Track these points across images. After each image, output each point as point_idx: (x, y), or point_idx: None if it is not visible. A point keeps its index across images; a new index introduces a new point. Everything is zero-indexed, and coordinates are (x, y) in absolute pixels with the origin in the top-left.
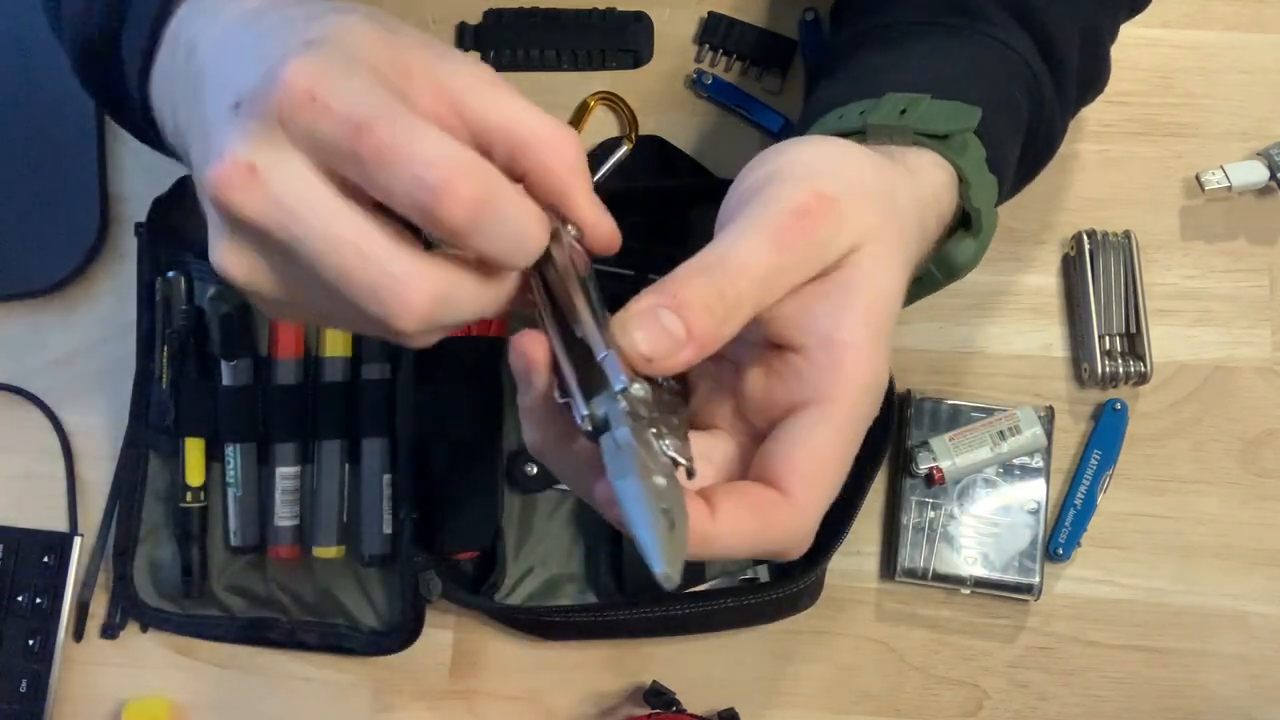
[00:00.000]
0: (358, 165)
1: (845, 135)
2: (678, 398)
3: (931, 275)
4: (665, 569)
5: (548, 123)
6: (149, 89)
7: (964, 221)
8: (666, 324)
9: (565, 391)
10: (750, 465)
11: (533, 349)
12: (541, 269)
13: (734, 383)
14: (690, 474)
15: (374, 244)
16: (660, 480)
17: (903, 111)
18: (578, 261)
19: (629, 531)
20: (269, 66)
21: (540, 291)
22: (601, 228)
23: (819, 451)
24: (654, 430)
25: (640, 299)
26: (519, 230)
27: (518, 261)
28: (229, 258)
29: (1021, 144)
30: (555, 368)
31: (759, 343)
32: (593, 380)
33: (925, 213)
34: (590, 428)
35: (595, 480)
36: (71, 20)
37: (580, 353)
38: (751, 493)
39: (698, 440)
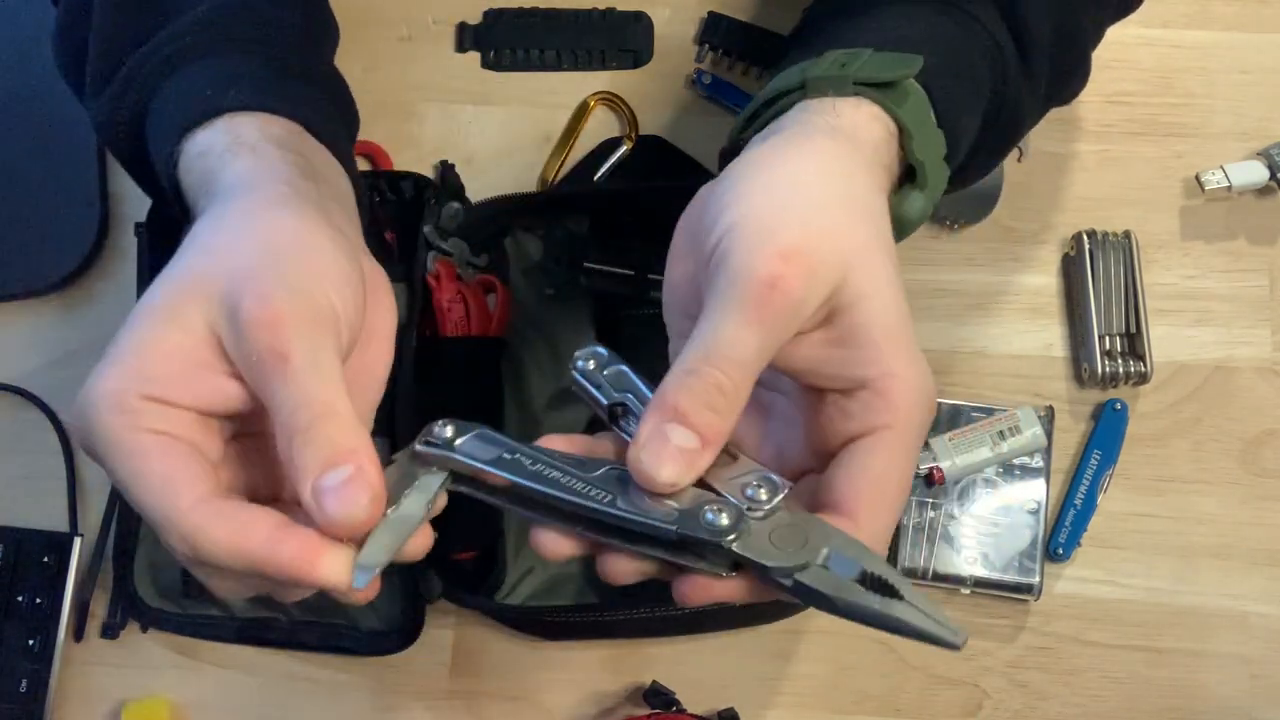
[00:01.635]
0: None
1: (785, 94)
2: None
3: None
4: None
5: (284, 406)
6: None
7: (910, 175)
8: (678, 441)
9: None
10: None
11: (617, 568)
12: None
13: (779, 421)
14: (787, 486)
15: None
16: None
17: (843, 66)
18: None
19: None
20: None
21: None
22: (325, 513)
23: (880, 476)
24: (748, 494)
25: (644, 421)
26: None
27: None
28: None
29: (983, 116)
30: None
31: (791, 389)
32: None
33: (877, 176)
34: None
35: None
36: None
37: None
38: None
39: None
